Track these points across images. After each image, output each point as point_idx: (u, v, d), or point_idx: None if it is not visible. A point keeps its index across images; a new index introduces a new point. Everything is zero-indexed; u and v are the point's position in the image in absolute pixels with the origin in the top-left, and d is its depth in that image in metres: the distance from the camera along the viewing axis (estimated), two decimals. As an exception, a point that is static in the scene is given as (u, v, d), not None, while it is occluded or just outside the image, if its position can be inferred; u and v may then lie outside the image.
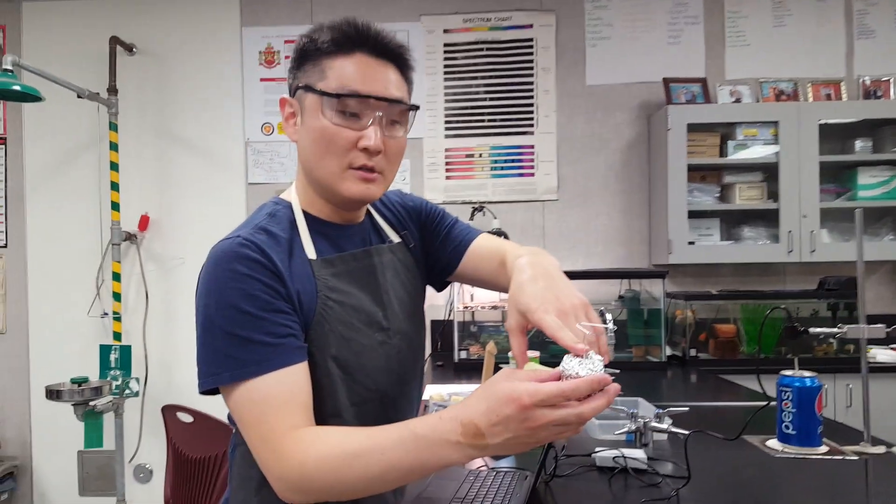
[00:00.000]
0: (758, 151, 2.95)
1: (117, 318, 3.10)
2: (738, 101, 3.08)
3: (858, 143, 2.99)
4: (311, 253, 0.91)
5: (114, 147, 3.05)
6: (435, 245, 1.09)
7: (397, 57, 0.91)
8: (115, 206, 3.08)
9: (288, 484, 0.78)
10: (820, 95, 3.08)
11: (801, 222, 2.90)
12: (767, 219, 3.03)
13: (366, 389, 0.92)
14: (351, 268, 0.94)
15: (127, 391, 2.91)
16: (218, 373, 0.81)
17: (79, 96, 2.83)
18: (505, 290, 1.05)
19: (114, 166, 3.06)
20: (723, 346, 2.95)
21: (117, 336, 3.09)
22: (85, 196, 3.24)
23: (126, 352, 2.92)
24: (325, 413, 0.87)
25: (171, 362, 3.26)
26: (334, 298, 0.90)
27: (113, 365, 2.91)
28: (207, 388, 0.83)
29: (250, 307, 0.80)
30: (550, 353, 2.00)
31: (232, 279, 0.81)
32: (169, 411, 2.23)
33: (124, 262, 3.19)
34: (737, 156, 2.96)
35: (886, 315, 3.06)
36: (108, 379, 2.88)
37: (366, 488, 0.76)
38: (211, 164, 3.26)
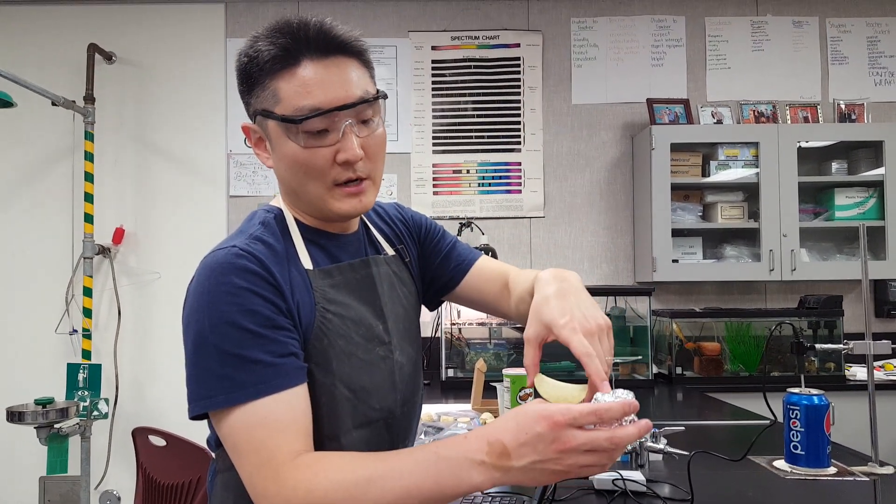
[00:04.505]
0: (739, 172, 3.01)
1: (87, 336, 2.96)
2: (719, 122, 3.15)
3: (834, 165, 3.08)
4: (307, 263, 0.85)
5: (89, 157, 2.95)
6: (435, 262, 1.06)
7: (348, 47, 0.82)
8: (89, 218, 2.96)
9: None
10: (798, 118, 3.17)
11: (782, 241, 2.95)
12: (748, 238, 3.08)
13: (371, 409, 0.86)
14: (349, 279, 0.89)
15: (95, 413, 2.76)
16: (212, 395, 0.74)
17: (53, 104, 2.75)
18: (505, 314, 1.04)
19: (88, 177, 2.95)
20: (707, 364, 2.96)
21: (86, 354, 2.95)
22: (57, 207, 3.13)
23: (95, 371, 2.78)
24: (321, 437, 0.80)
25: (143, 382, 3.12)
26: (333, 311, 0.84)
27: (81, 385, 2.77)
28: (199, 413, 0.76)
29: (249, 324, 0.74)
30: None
31: (228, 293, 0.75)
32: (140, 434, 2.10)
33: (96, 276, 3.07)
34: (718, 176, 3.01)
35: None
36: (75, 400, 2.73)
37: None
38: (191, 176, 3.18)
